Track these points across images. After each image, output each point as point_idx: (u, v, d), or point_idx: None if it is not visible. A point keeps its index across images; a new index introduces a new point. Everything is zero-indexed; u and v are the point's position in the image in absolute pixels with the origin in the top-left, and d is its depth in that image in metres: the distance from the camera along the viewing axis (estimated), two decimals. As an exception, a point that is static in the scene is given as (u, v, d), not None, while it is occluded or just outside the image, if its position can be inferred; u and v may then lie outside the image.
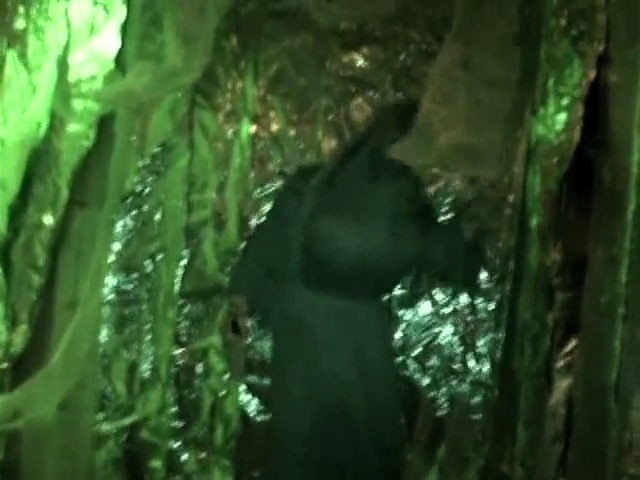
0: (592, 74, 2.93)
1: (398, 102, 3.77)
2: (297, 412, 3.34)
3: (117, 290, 3.89)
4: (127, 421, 3.89)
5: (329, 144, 4.02)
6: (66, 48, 3.33)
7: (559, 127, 3.11)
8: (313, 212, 3.34)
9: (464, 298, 3.98)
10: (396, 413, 3.53)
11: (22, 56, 3.22)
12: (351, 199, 3.35)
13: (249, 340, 3.80)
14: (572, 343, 3.08)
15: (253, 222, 3.99)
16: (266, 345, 3.88)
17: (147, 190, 3.93)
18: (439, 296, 3.97)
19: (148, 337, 3.92)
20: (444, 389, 4.01)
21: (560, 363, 3.13)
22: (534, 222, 3.29)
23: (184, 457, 3.96)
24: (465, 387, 4.00)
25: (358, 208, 3.34)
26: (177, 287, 3.95)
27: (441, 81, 3.54)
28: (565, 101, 3.06)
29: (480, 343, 3.99)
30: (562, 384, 3.09)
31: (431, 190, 4.00)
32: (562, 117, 3.07)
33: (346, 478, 3.33)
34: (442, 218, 3.98)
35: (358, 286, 3.34)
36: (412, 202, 3.42)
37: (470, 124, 3.60)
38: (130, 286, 3.91)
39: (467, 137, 3.72)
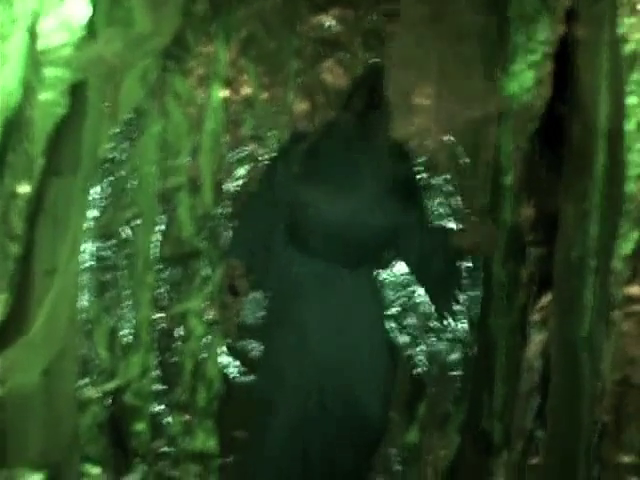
0: (561, 29, 2.95)
1: (370, 66, 3.77)
2: (281, 378, 3.36)
3: (95, 256, 3.90)
4: (110, 386, 3.92)
5: (301, 106, 4.02)
6: (35, 16, 3.31)
7: (529, 83, 3.14)
8: (298, 178, 3.35)
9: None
10: (383, 385, 3.51)
11: (-9, 26, 3.21)
12: (336, 167, 3.36)
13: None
14: (546, 298, 3.12)
15: (227, 186, 4.00)
16: (247, 308, 3.92)
17: (121, 157, 3.93)
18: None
19: (128, 302, 3.94)
20: (422, 347, 4.05)
21: (535, 317, 3.18)
22: (506, 179, 3.32)
23: (167, 420, 3.99)
24: (443, 344, 4.04)
25: (342, 176, 3.35)
26: (155, 252, 3.97)
27: (408, 40, 3.54)
28: (534, 57, 3.09)
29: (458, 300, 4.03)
30: (537, 338, 3.15)
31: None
32: (531, 74, 3.10)
33: (330, 449, 3.34)
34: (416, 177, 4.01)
35: (343, 253, 3.35)
36: (396, 171, 3.43)
37: (440, 88, 3.62)
38: (108, 252, 3.92)
39: (439, 101, 3.75)
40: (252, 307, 3.82)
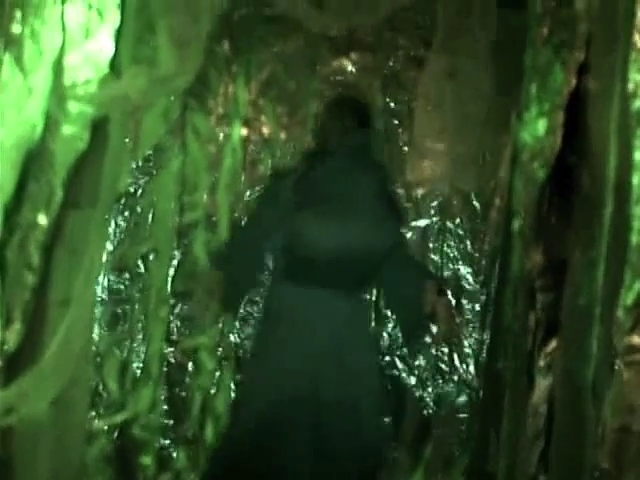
0: (573, 81, 3.00)
1: (340, 98, 3.79)
2: (267, 398, 3.34)
3: (109, 289, 3.95)
4: (118, 418, 3.94)
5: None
6: (61, 52, 3.37)
7: (541, 132, 3.17)
8: (291, 210, 3.38)
9: (451, 299, 4.05)
10: (377, 410, 3.51)
11: (18, 59, 3.26)
12: (327, 195, 3.38)
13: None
14: (553, 344, 3.14)
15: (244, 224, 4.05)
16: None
17: (140, 191, 3.99)
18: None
19: (140, 336, 3.97)
20: (430, 389, 4.06)
21: (541, 363, 3.18)
22: (517, 225, 3.35)
23: (174, 454, 4.01)
24: (451, 387, 4.05)
25: (334, 203, 3.37)
26: (169, 287, 4.01)
27: (430, 90, 3.60)
28: (546, 107, 3.12)
29: (466, 343, 4.05)
30: (543, 383, 3.15)
31: (418, 193, 4.07)
32: (543, 123, 3.13)
33: (313, 468, 3.32)
34: (427, 221, 4.06)
35: (337, 279, 3.36)
36: (386, 196, 3.45)
37: (456, 134, 3.68)
38: (122, 285, 3.97)
39: (454, 147, 3.80)
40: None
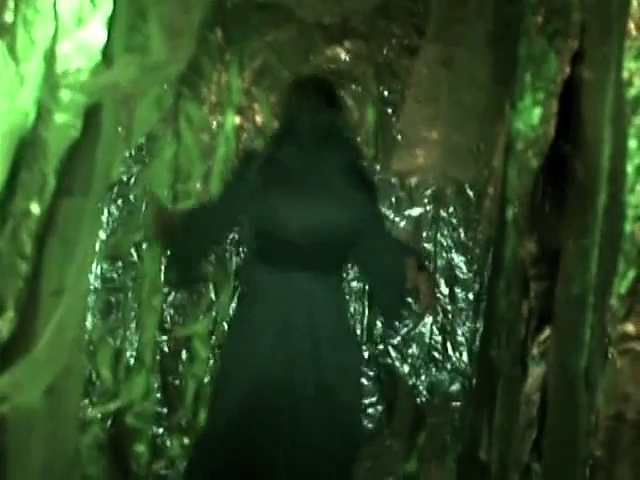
0: (567, 70, 3.00)
1: (305, 78, 3.76)
2: (242, 382, 3.33)
3: (103, 278, 3.94)
4: (112, 406, 3.94)
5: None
6: (53, 40, 3.36)
7: (535, 121, 3.18)
8: (259, 191, 3.35)
9: (444, 288, 4.06)
10: (355, 394, 3.46)
11: (10, 48, 3.25)
12: (295, 175, 3.35)
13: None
14: (546, 332, 3.15)
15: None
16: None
17: (133, 180, 3.98)
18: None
19: (133, 324, 3.97)
20: (424, 377, 4.07)
21: (534, 351, 3.20)
22: (510, 214, 3.36)
23: (168, 442, 4.01)
24: (444, 375, 4.06)
25: (303, 183, 3.35)
26: (162, 275, 4.00)
27: (423, 79, 3.60)
28: (541, 96, 3.13)
29: (459, 332, 4.06)
30: (536, 371, 3.16)
31: (412, 182, 4.07)
32: (538, 111, 3.14)
33: (286, 454, 3.32)
34: (421, 210, 4.06)
35: (310, 259, 3.34)
36: (353, 174, 3.43)
37: (450, 123, 3.67)
38: (115, 274, 3.96)
39: (448, 136, 3.80)
40: None
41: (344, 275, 3.89)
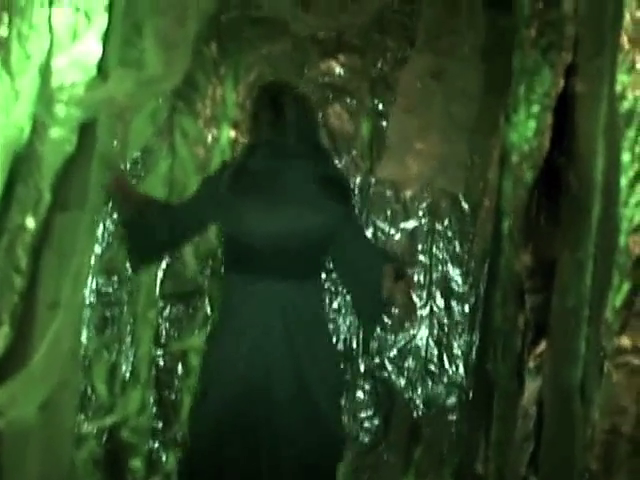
0: (560, 83, 3.01)
1: (268, 84, 3.72)
2: (220, 393, 3.30)
3: (98, 292, 3.93)
4: (107, 421, 3.93)
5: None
6: (48, 54, 3.37)
7: (529, 134, 3.18)
8: (227, 198, 3.33)
9: (440, 301, 4.05)
10: (334, 400, 3.42)
11: (5, 62, 3.26)
12: (262, 182, 3.32)
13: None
14: (542, 345, 3.15)
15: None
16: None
17: (128, 194, 3.97)
18: (415, 299, 4.03)
19: (128, 338, 3.96)
20: (420, 390, 4.07)
21: (530, 364, 3.20)
22: (506, 226, 3.36)
23: (164, 457, 4.00)
24: (441, 388, 4.06)
25: (272, 190, 3.33)
26: (157, 289, 4.00)
27: (412, 89, 3.59)
28: (535, 109, 3.14)
29: (455, 345, 4.05)
30: (533, 385, 3.16)
31: (407, 194, 4.08)
32: (532, 124, 3.15)
33: (269, 458, 3.30)
34: (416, 223, 4.06)
35: (278, 266, 3.29)
36: (325, 179, 3.41)
37: (441, 134, 3.67)
38: (111, 288, 3.95)
39: (439, 147, 3.79)
40: None
41: (329, 285, 3.91)
